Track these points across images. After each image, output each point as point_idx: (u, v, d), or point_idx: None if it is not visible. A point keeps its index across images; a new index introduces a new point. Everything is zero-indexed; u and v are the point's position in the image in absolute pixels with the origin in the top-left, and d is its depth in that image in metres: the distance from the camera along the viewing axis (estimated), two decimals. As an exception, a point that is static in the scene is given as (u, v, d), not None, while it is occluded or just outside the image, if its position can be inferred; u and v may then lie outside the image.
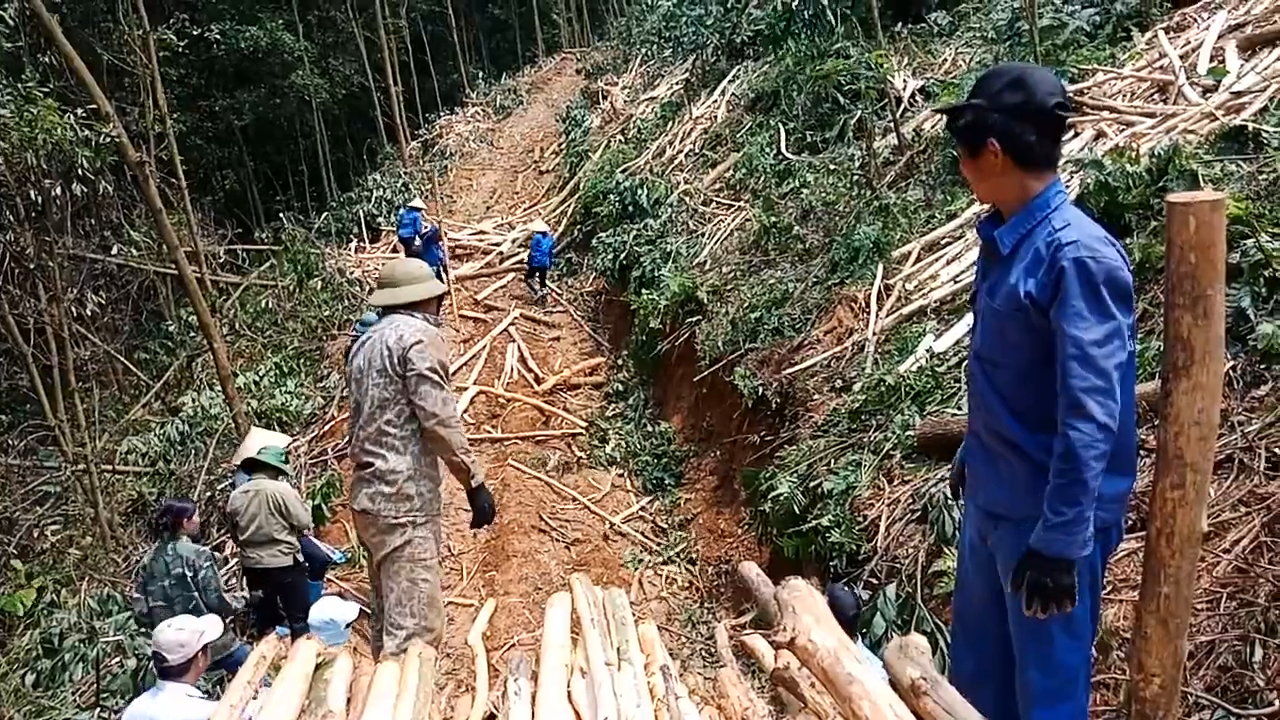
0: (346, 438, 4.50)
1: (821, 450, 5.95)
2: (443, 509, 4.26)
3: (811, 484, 5.71)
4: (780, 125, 12.21)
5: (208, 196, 24.23)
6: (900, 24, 12.64)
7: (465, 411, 10.56)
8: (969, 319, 5.38)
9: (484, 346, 12.48)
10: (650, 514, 8.87)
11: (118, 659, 5.84)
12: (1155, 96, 7.44)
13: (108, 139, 9.19)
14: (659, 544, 8.31)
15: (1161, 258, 2.02)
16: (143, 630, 5.67)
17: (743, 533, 7.37)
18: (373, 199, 20.34)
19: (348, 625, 4.59)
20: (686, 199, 12.83)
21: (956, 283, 6.66)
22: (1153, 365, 4.15)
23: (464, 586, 7.64)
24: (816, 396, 6.74)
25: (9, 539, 8.54)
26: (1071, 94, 7.57)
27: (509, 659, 3.22)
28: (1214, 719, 2.76)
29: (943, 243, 7.44)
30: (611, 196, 14.01)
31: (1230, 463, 3.61)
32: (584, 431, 10.48)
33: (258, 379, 11.33)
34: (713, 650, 5.82)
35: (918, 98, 10.43)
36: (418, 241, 14.54)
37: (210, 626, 3.99)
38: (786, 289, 8.44)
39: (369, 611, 4.80)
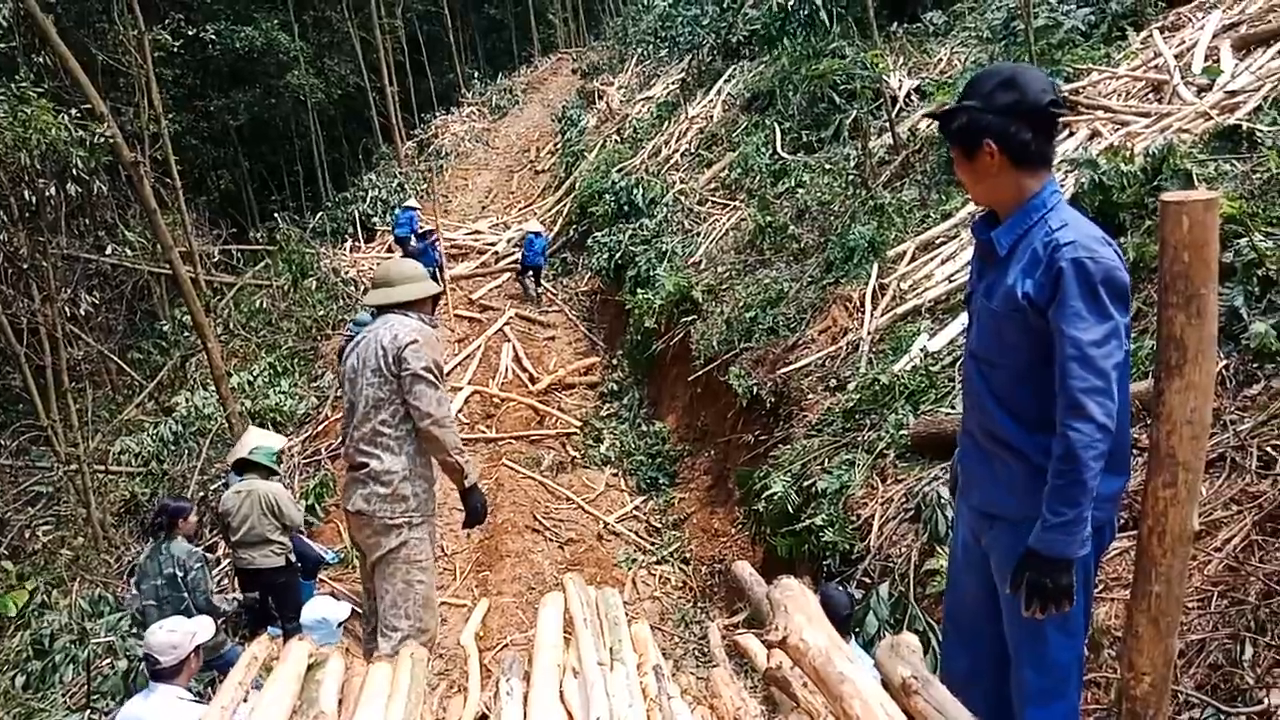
0: (340, 438, 4.48)
1: (815, 450, 5.95)
2: (437, 509, 4.25)
3: (805, 483, 5.71)
4: (776, 125, 12.22)
5: (202, 196, 24.22)
6: (895, 23, 12.65)
7: (460, 411, 10.55)
8: (963, 318, 5.37)
9: (479, 346, 12.47)
10: (644, 514, 8.87)
11: (109, 660, 5.81)
12: (1150, 96, 7.46)
13: (102, 139, 9.17)
14: (653, 544, 8.30)
15: (1155, 257, 2.02)
16: (134, 631, 5.66)
17: (736, 532, 7.36)
18: (368, 199, 20.33)
19: (340, 624, 4.58)
20: (682, 198, 12.83)
21: (951, 282, 6.67)
22: (1146, 364, 4.16)
23: (457, 586, 7.62)
24: (811, 396, 6.74)
25: (0, 539, 8.51)
26: (1066, 93, 7.60)
27: (502, 659, 3.22)
28: (1204, 717, 2.76)
29: (937, 242, 7.44)
30: (607, 196, 14.01)
31: (1222, 461, 3.61)
32: (578, 431, 10.47)
33: (252, 379, 11.30)
34: (706, 650, 5.81)
35: (913, 97, 10.43)
36: (414, 241, 14.53)
37: (202, 628, 3.98)
38: (781, 288, 8.44)
39: (361, 612, 4.79)
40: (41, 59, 11.68)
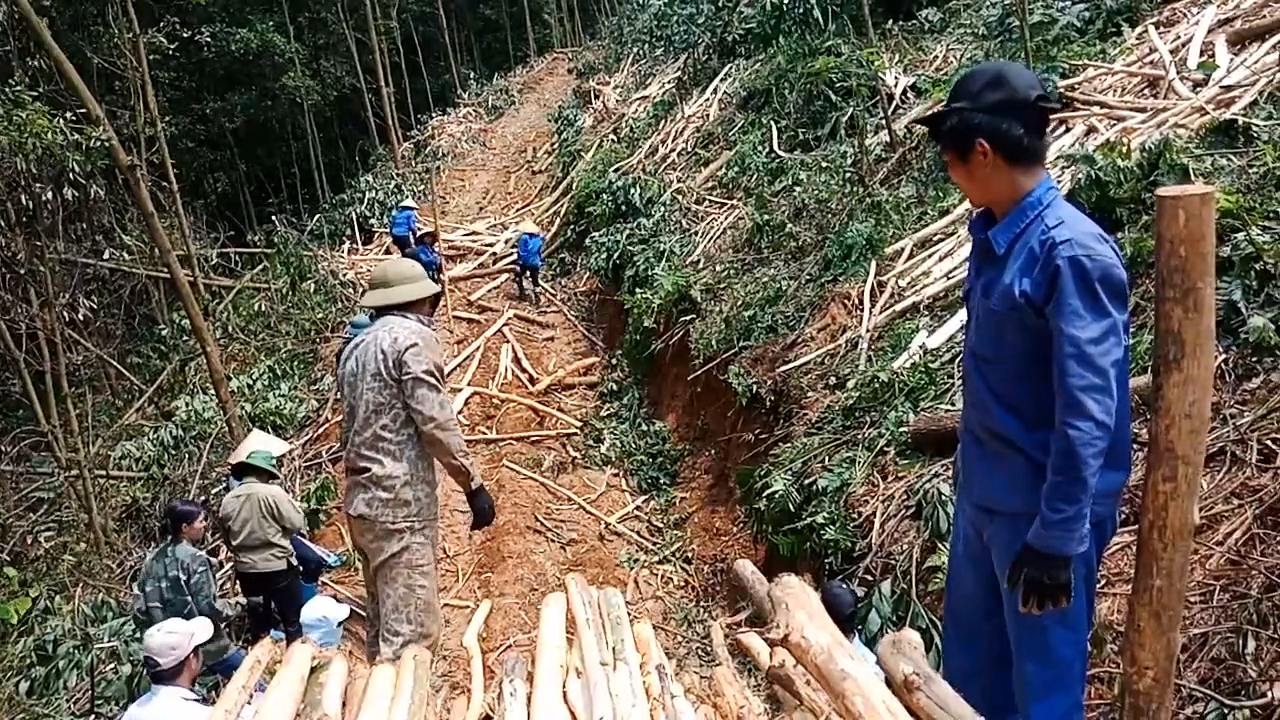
0: (340, 442, 4.47)
1: (816, 447, 5.96)
2: (439, 512, 4.24)
3: (806, 481, 5.71)
4: (772, 123, 12.21)
5: (200, 200, 24.22)
6: (891, 21, 12.66)
7: (460, 413, 10.54)
8: (962, 315, 5.39)
9: (478, 347, 12.47)
10: (645, 513, 8.87)
11: (112, 665, 5.82)
12: (1146, 91, 7.46)
13: (98, 143, 9.17)
14: (654, 543, 8.30)
15: (1152, 252, 2.02)
16: (137, 635, 5.66)
17: (738, 531, 7.37)
18: (365, 200, 20.32)
19: (340, 624, 4.59)
20: (679, 198, 12.82)
21: (949, 279, 6.67)
22: (1145, 359, 4.17)
23: (459, 588, 7.62)
24: (810, 394, 6.74)
25: (2, 546, 8.50)
26: (1062, 89, 7.60)
27: (504, 660, 3.22)
28: (1207, 711, 2.77)
29: (935, 239, 7.44)
30: (604, 196, 14.02)
31: (1222, 455, 3.62)
32: (579, 431, 10.47)
33: (251, 382, 11.31)
34: (709, 649, 5.82)
35: (909, 94, 10.44)
36: (412, 241, 14.53)
37: (200, 628, 3.98)
38: (780, 287, 8.44)
39: (362, 614, 4.79)
40: (36, 63, 11.64)
